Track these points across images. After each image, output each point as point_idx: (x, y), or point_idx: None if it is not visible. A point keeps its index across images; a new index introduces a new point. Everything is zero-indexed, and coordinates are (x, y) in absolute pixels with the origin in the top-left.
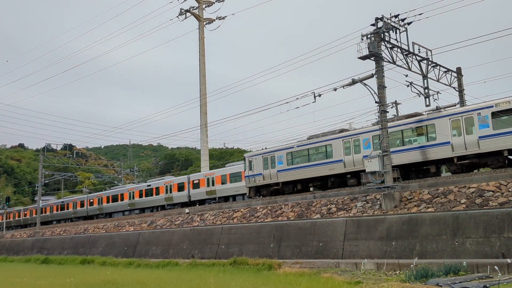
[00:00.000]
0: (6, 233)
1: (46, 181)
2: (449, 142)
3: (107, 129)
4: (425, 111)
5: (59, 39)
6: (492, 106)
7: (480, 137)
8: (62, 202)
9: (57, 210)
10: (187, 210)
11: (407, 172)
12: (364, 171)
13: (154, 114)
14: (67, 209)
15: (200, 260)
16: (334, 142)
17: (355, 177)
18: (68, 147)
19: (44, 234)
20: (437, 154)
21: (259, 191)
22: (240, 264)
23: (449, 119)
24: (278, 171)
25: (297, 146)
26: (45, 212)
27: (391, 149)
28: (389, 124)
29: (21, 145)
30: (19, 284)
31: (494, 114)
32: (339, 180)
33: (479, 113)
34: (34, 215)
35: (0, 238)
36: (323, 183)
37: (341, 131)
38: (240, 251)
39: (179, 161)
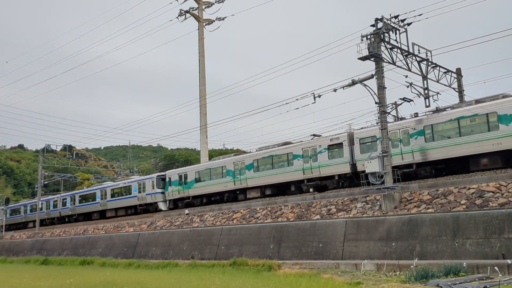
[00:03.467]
0: (5, 234)
1: (45, 182)
2: None
3: (106, 130)
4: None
5: (58, 40)
6: None
7: None
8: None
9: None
10: (186, 211)
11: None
12: None
13: (154, 115)
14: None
15: (200, 261)
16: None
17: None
18: (68, 148)
19: (44, 235)
20: None
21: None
22: (240, 265)
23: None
24: (54, 211)
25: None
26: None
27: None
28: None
29: (20, 146)
30: (19, 285)
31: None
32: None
33: None
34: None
35: None
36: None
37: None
38: (240, 252)
39: (179, 162)
